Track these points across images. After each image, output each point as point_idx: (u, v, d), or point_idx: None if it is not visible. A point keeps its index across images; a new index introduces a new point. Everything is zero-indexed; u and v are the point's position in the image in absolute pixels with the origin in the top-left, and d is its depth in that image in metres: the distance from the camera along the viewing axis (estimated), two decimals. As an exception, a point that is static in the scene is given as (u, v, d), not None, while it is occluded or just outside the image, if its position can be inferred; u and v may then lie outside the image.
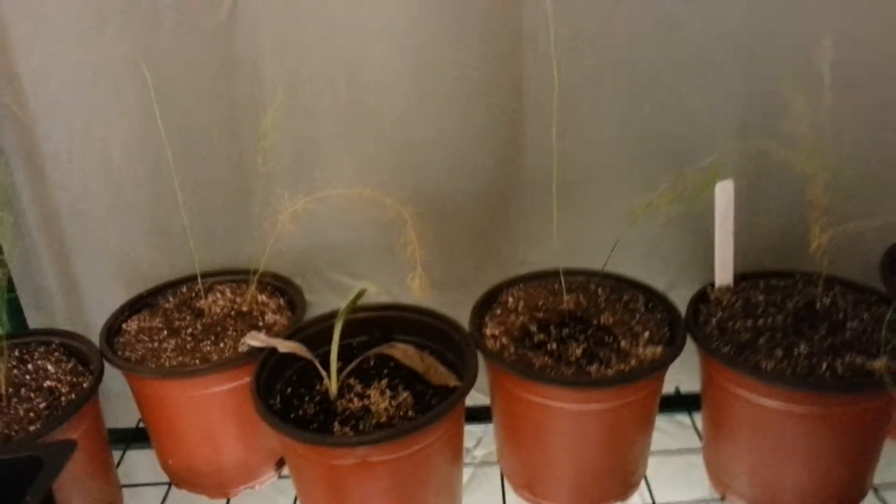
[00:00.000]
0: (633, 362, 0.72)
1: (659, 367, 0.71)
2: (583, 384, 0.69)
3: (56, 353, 0.82)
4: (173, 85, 0.85)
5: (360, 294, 0.71)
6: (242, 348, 0.76)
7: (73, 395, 0.75)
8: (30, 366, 0.80)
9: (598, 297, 0.84)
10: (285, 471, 0.86)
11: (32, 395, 0.76)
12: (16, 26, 0.83)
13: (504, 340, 0.77)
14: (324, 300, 0.97)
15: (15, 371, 0.80)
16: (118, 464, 0.91)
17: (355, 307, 0.75)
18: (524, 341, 0.77)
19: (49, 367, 0.80)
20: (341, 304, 0.96)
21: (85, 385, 0.76)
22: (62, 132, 0.89)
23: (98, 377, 0.76)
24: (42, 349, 0.83)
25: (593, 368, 0.71)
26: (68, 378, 0.78)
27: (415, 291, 0.72)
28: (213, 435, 0.79)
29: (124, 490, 0.86)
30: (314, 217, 0.82)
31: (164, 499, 0.86)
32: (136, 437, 0.95)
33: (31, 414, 0.74)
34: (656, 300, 0.82)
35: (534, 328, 0.78)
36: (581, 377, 0.70)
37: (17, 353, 0.83)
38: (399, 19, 0.84)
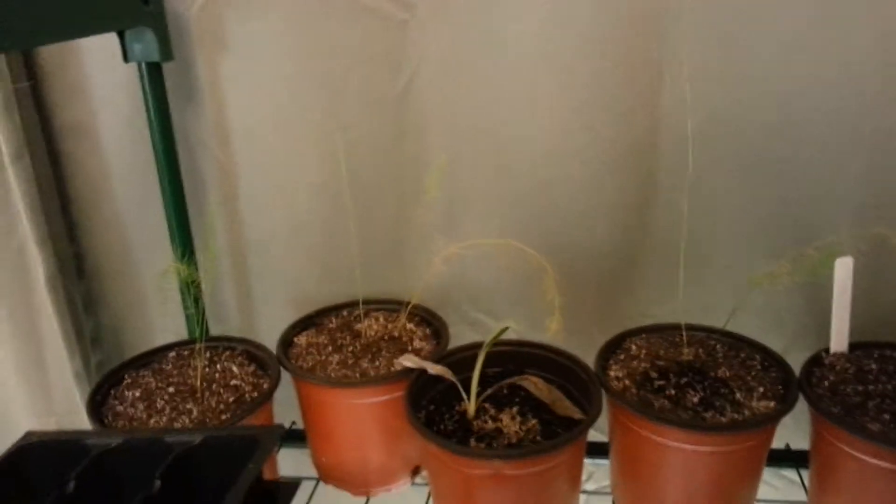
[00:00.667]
0: (746, 413, 0.79)
1: (771, 420, 0.78)
2: (699, 428, 0.77)
3: (239, 358, 0.98)
4: (354, 146, 1.01)
5: (504, 330, 0.83)
6: (397, 367, 0.89)
7: (256, 394, 0.90)
8: (218, 366, 0.96)
9: (717, 352, 0.91)
10: (418, 479, 0.97)
11: (222, 390, 0.91)
12: (232, 93, 1.01)
13: (627, 382, 0.86)
14: (459, 332, 1.09)
15: (206, 369, 0.96)
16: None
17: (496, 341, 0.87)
18: (645, 385, 0.85)
19: (234, 368, 0.95)
20: (474, 337, 1.09)
21: (265, 386, 0.91)
22: (258, 180, 1.07)
23: (276, 379, 0.91)
24: (227, 353, 0.99)
25: (709, 415, 0.79)
26: (250, 379, 0.93)
27: (552, 332, 0.82)
28: (363, 439, 0.92)
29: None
30: (459, 260, 0.95)
31: (314, 491, 0.99)
32: (288, 437, 1.09)
33: (221, 406, 0.89)
34: (772, 360, 0.88)
35: (654, 374, 0.87)
36: (698, 421, 0.78)
37: (207, 354, 0.99)
38: (545, 95, 0.96)
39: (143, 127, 0.99)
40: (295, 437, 1.06)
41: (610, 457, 0.91)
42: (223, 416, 0.86)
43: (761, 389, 0.83)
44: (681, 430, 0.77)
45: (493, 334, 0.83)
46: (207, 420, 0.86)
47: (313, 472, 1.00)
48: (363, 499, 0.96)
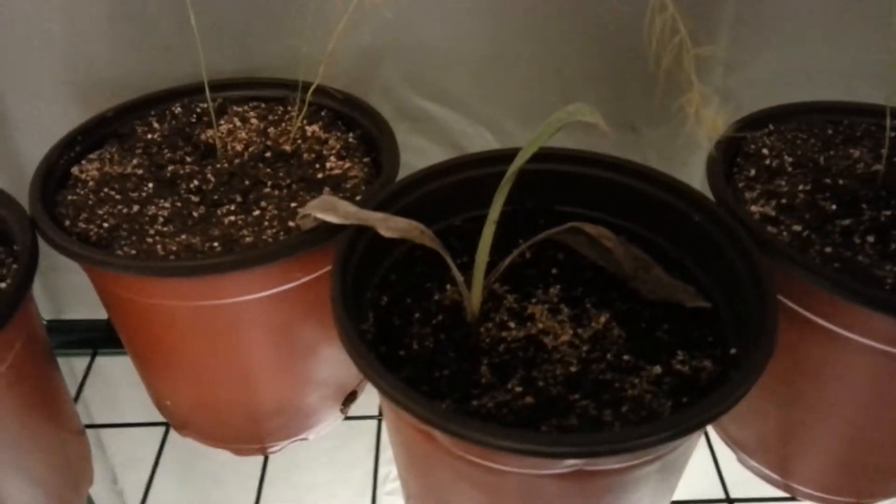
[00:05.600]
0: None
1: None
2: None
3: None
4: None
5: (558, 128, 0.35)
6: (303, 224, 0.40)
7: (-20, 304, 0.39)
8: None
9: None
10: (354, 409, 0.53)
11: None
12: None
13: (795, 226, 0.41)
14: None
15: None
16: (83, 380, 0.58)
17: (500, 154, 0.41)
18: (826, 230, 0.42)
19: (-63, 242, 0.43)
20: (420, 144, 0.62)
21: (2, 285, 0.41)
22: None
23: (28, 270, 0.40)
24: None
25: None
26: (-27, 266, 0.42)
27: (709, 127, 0.35)
28: (244, 365, 0.45)
29: (98, 433, 0.54)
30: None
31: (162, 446, 0.54)
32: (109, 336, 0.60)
33: None
34: None
35: (829, 204, 0.43)
36: None
37: None
38: None
39: None
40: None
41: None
42: None
43: None
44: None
45: (537, 135, 0.35)
46: None
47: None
48: (258, 459, 0.52)
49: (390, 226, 0.37)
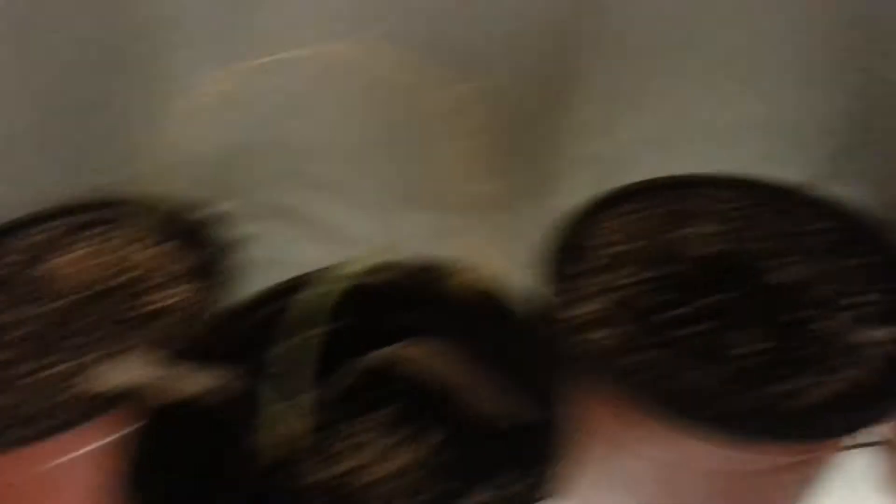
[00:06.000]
0: (859, 368, 0.37)
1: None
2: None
3: None
4: None
5: (365, 263, 0.34)
6: (100, 386, 0.39)
7: None
8: None
9: (757, 223, 0.47)
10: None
11: None
12: None
13: (621, 325, 0.40)
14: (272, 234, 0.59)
15: None
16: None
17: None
18: (650, 322, 0.40)
19: None
20: (297, 238, 0.60)
21: None
22: None
23: None
24: None
25: (780, 389, 0.36)
26: None
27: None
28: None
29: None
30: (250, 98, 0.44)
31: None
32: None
33: None
34: (870, 230, 0.45)
35: (664, 295, 0.42)
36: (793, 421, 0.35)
37: None
38: None
39: None
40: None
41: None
42: None
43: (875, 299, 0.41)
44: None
45: (342, 273, 0.35)
46: None
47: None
48: None
49: (184, 389, 0.36)
